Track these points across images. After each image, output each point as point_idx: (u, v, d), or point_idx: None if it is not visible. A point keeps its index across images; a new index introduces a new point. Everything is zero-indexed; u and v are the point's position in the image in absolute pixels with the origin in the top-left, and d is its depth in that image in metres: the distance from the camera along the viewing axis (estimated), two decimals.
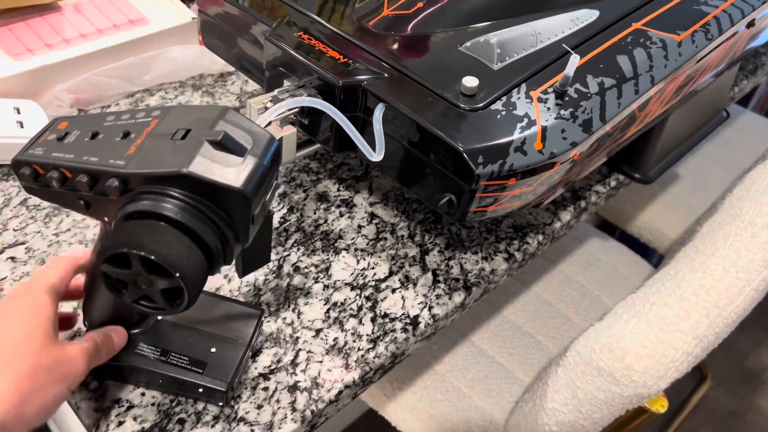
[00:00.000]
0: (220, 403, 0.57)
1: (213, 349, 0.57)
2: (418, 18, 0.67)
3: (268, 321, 0.64)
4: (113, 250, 0.40)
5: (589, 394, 0.66)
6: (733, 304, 0.68)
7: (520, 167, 0.56)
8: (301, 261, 0.70)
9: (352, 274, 0.69)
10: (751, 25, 0.78)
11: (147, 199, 0.42)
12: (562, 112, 0.59)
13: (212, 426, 0.56)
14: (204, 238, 0.42)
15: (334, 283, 0.68)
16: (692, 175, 1.29)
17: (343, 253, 0.71)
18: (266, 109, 0.59)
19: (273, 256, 0.70)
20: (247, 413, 0.57)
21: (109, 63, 0.84)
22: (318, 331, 0.64)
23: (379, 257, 0.71)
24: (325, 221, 0.74)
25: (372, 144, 0.59)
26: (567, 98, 0.60)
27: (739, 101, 1.43)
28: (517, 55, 0.63)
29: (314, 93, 0.62)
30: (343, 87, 0.60)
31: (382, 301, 0.67)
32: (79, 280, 0.55)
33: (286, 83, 0.64)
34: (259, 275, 0.68)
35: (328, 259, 0.70)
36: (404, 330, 0.64)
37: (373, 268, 0.70)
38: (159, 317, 0.58)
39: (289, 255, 0.70)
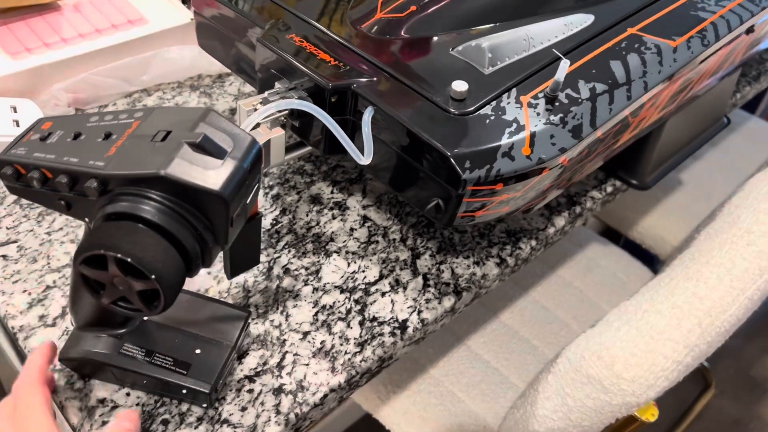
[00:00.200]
0: (204, 405, 0.57)
1: (198, 351, 0.57)
2: (411, 21, 0.67)
3: (256, 323, 0.64)
4: (89, 251, 0.40)
5: (579, 401, 0.66)
6: (727, 313, 0.67)
7: (507, 173, 0.56)
8: (292, 263, 0.69)
9: (342, 277, 0.69)
10: (750, 31, 0.77)
11: (125, 201, 0.42)
12: (552, 117, 0.58)
13: (195, 427, 0.56)
14: (181, 240, 0.42)
15: (324, 286, 0.68)
16: (695, 182, 1.28)
17: (334, 255, 0.71)
18: (255, 110, 0.59)
19: (263, 258, 0.70)
20: (231, 415, 0.57)
21: (107, 63, 0.84)
22: (305, 334, 0.63)
23: (370, 260, 0.71)
24: (318, 223, 0.74)
25: (361, 147, 0.59)
26: (557, 103, 0.59)
27: (746, 108, 1.42)
28: (508, 59, 0.63)
29: (305, 95, 0.62)
30: (333, 89, 0.60)
31: (371, 304, 0.67)
32: None
33: (278, 85, 0.63)
34: (248, 277, 0.68)
35: (318, 261, 0.70)
36: (392, 334, 0.64)
37: (363, 272, 0.69)
38: (145, 318, 0.58)
39: (279, 257, 0.70)
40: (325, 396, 0.59)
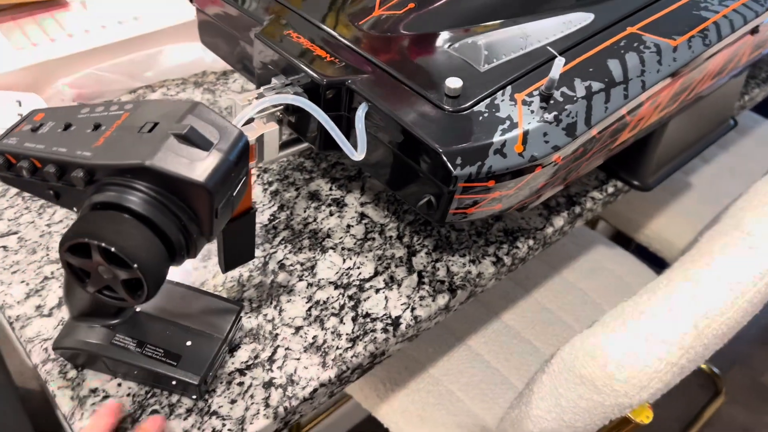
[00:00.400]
0: (194, 396, 0.57)
1: (189, 343, 0.58)
2: (409, 18, 0.67)
3: (249, 317, 0.64)
4: (73, 240, 0.41)
5: (572, 402, 0.66)
6: (725, 316, 0.66)
7: (499, 170, 0.56)
8: (287, 258, 0.70)
9: (337, 273, 0.69)
10: (755, 32, 0.76)
11: (111, 191, 0.43)
12: (546, 115, 0.58)
13: (185, 418, 0.57)
14: (165, 230, 0.43)
15: (318, 282, 0.68)
16: (705, 185, 1.27)
17: (330, 252, 0.71)
18: (249, 105, 0.60)
19: (259, 253, 0.70)
20: (220, 407, 0.57)
21: (112, 58, 0.85)
22: (298, 329, 0.64)
23: (366, 257, 0.71)
24: (315, 220, 0.74)
25: (355, 143, 0.59)
26: (552, 101, 0.59)
27: (757, 110, 1.40)
28: (505, 57, 0.63)
29: (300, 91, 0.62)
30: (328, 85, 0.60)
31: (364, 300, 0.67)
32: None
33: (274, 81, 0.64)
34: (243, 271, 0.68)
35: (314, 257, 0.70)
36: (385, 330, 0.64)
37: (358, 268, 0.70)
38: (137, 309, 0.59)
39: (275, 252, 0.70)
40: (315, 391, 0.60)
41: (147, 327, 0.58)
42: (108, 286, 0.44)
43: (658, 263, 1.18)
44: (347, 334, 0.64)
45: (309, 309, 0.65)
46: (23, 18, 0.86)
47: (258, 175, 0.79)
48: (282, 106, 0.62)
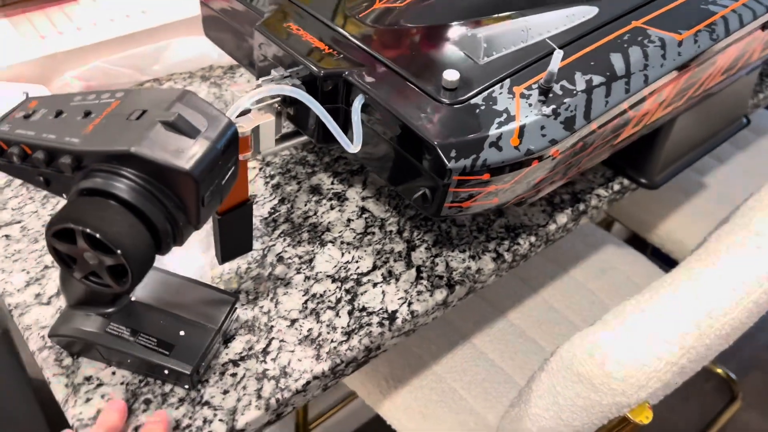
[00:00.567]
0: (186, 386, 0.57)
1: (182, 333, 0.58)
2: (410, 11, 0.67)
3: (245, 309, 0.64)
4: (57, 225, 0.41)
5: (569, 400, 0.65)
6: (728, 316, 0.65)
7: (494, 163, 0.55)
8: (286, 251, 0.70)
9: (335, 266, 0.69)
10: (766, 27, 0.75)
11: (98, 177, 0.43)
12: (544, 108, 0.57)
13: (176, 408, 0.57)
14: (151, 217, 0.43)
15: (316, 275, 0.68)
16: (719, 186, 1.25)
17: (329, 245, 0.71)
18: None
19: (258, 246, 0.70)
20: (212, 397, 0.58)
21: (119, 52, 0.86)
22: (293, 321, 0.64)
23: (365, 251, 0.70)
24: (315, 213, 0.74)
25: (352, 135, 0.59)
26: (551, 95, 0.58)
27: None
28: (505, 50, 0.62)
29: (298, 83, 0.62)
30: (325, 77, 0.60)
31: (361, 294, 0.66)
32: None
33: (273, 73, 0.64)
34: (242, 263, 0.68)
35: (312, 250, 0.70)
36: (380, 324, 0.64)
37: (356, 262, 0.69)
38: (133, 298, 0.59)
39: (274, 245, 0.70)
40: (308, 383, 0.59)
41: (141, 316, 0.58)
42: (94, 272, 0.44)
43: (672, 265, 1.16)
44: (342, 327, 0.63)
45: (305, 302, 0.65)
46: (33, 11, 0.87)
47: (260, 168, 0.79)
48: (279, 98, 0.62)
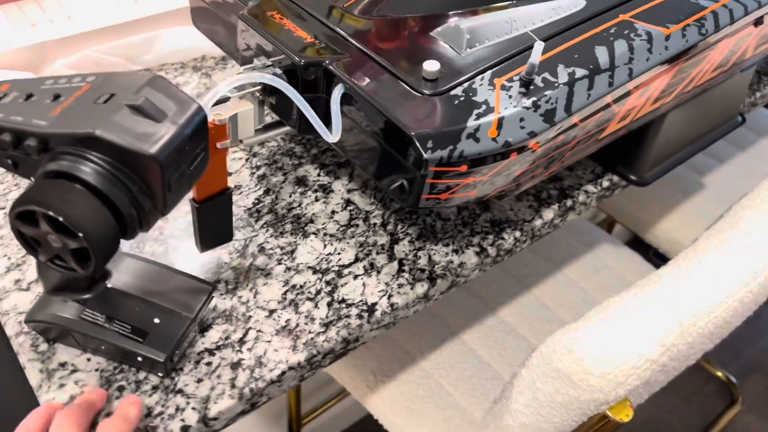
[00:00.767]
0: (160, 374, 0.57)
1: (157, 320, 0.58)
2: (394, 2, 0.66)
3: (224, 298, 0.64)
4: (20, 207, 0.41)
5: (549, 396, 0.64)
6: (712, 315, 0.64)
7: (471, 154, 0.55)
8: (268, 242, 0.69)
9: (316, 258, 0.68)
10: (759, 23, 0.74)
11: (64, 160, 0.43)
12: (524, 101, 0.57)
13: (150, 395, 0.57)
14: (115, 202, 0.42)
15: (297, 266, 0.67)
16: (718, 185, 1.24)
17: (312, 237, 0.70)
18: None
19: (240, 236, 0.70)
20: (186, 386, 0.57)
21: (110, 41, 0.86)
22: (272, 312, 0.63)
23: (347, 243, 0.70)
24: (299, 205, 0.74)
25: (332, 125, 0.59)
26: (533, 87, 0.58)
27: None
28: (488, 41, 0.62)
29: (279, 72, 0.62)
30: (305, 65, 0.60)
31: (342, 286, 0.66)
32: None
33: (255, 62, 0.63)
34: (223, 252, 0.68)
35: (295, 242, 0.70)
36: (359, 316, 0.63)
37: (339, 254, 0.69)
38: (109, 284, 0.59)
39: (256, 236, 0.70)
40: (284, 373, 0.59)
41: (117, 303, 0.58)
42: (59, 255, 0.44)
43: None
44: (321, 318, 0.63)
45: (285, 293, 0.65)
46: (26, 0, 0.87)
47: (247, 159, 0.79)
48: (260, 86, 0.61)
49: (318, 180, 0.77)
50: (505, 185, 0.61)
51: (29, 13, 0.85)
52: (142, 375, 0.58)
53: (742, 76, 0.85)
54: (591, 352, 0.60)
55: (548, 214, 0.75)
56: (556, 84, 0.58)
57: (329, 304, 0.64)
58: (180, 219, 0.71)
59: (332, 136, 0.59)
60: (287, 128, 0.68)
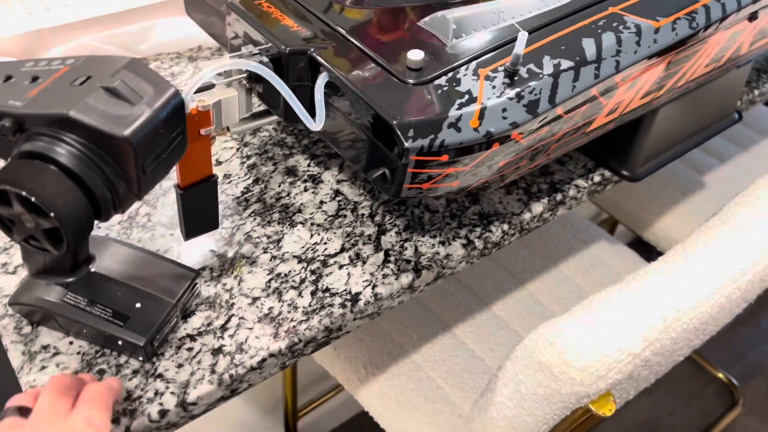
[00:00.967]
0: (141, 358, 0.58)
1: (138, 305, 0.58)
2: None
3: (208, 285, 0.64)
4: None
5: (531, 389, 0.64)
6: (697, 310, 0.64)
7: (452, 144, 0.55)
8: (255, 231, 0.70)
9: (303, 247, 0.69)
10: (753, 18, 0.73)
11: (39, 141, 0.43)
12: (508, 91, 0.57)
13: (129, 379, 0.57)
14: (88, 183, 0.43)
15: (283, 255, 0.68)
16: (719, 184, 1.23)
17: (299, 226, 0.71)
18: None
19: (227, 224, 0.70)
20: (166, 370, 0.58)
21: (106, 29, 0.86)
22: (255, 299, 0.64)
23: (334, 233, 0.70)
24: (288, 194, 0.74)
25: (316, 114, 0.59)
26: (517, 78, 0.58)
27: None
28: (475, 32, 0.62)
29: (266, 60, 0.62)
30: (290, 53, 0.60)
31: (326, 276, 0.66)
32: None
33: (243, 50, 0.64)
34: (209, 240, 0.68)
35: (282, 231, 0.70)
36: (342, 306, 0.64)
37: (325, 244, 0.69)
38: (93, 269, 0.59)
39: (244, 224, 0.70)
40: (264, 360, 0.59)
41: (99, 287, 0.58)
42: (33, 235, 0.44)
43: None
44: (304, 307, 0.63)
45: (269, 281, 0.65)
46: None
47: (237, 149, 0.79)
48: (246, 74, 0.62)
49: (308, 170, 0.77)
50: (488, 176, 0.61)
51: (26, 0, 0.86)
52: (123, 359, 0.58)
53: (739, 73, 0.85)
54: (573, 345, 0.60)
55: (537, 207, 0.75)
56: (541, 75, 0.58)
57: (313, 293, 0.64)
58: (169, 206, 0.71)
59: (315, 124, 0.59)
60: (275, 117, 0.68)
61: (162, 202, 0.72)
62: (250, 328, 0.61)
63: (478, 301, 1.02)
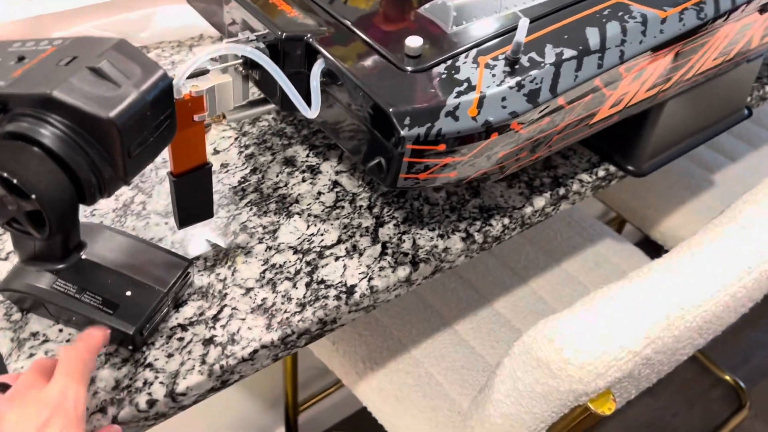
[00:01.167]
0: (130, 347, 0.57)
1: (129, 293, 0.57)
2: None
3: (201, 275, 0.63)
4: None
5: (528, 386, 0.62)
6: (701, 309, 0.62)
7: (449, 133, 0.53)
8: (251, 221, 0.69)
9: (299, 238, 0.67)
10: (764, 10, 0.71)
11: (23, 122, 0.42)
12: (508, 80, 0.55)
13: (119, 368, 0.56)
14: (71, 165, 0.42)
15: (278, 246, 0.67)
16: (728, 183, 1.21)
17: (296, 217, 0.69)
18: None
19: (223, 213, 0.69)
20: (156, 360, 0.57)
21: (107, 16, 0.86)
22: (249, 290, 0.62)
23: (331, 225, 0.69)
24: (286, 185, 0.73)
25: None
26: (518, 67, 0.56)
27: None
28: (476, 19, 0.60)
29: (262, 47, 0.61)
30: (286, 39, 0.59)
31: (322, 267, 0.65)
32: None
33: (240, 36, 0.63)
34: (204, 229, 0.67)
35: (278, 221, 0.69)
36: (337, 298, 0.62)
37: (321, 235, 0.68)
38: (83, 256, 0.58)
39: (240, 214, 0.69)
40: (256, 351, 0.58)
41: (90, 274, 0.57)
42: (16, 218, 0.44)
43: None
44: (298, 298, 0.62)
45: (263, 272, 0.64)
46: None
47: (236, 138, 0.78)
48: (242, 60, 0.60)
49: (306, 161, 0.76)
50: (487, 167, 0.59)
51: None
52: (112, 348, 0.57)
53: (749, 67, 0.83)
54: (572, 341, 0.59)
55: (539, 202, 0.73)
56: (543, 64, 0.57)
57: (308, 285, 0.63)
58: (164, 195, 0.70)
59: (311, 111, 0.58)
60: (272, 106, 0.67)
61: (158, 190, 0.71)
62: (243, 319, 0.60)
63: (480, 298, 1.00)
